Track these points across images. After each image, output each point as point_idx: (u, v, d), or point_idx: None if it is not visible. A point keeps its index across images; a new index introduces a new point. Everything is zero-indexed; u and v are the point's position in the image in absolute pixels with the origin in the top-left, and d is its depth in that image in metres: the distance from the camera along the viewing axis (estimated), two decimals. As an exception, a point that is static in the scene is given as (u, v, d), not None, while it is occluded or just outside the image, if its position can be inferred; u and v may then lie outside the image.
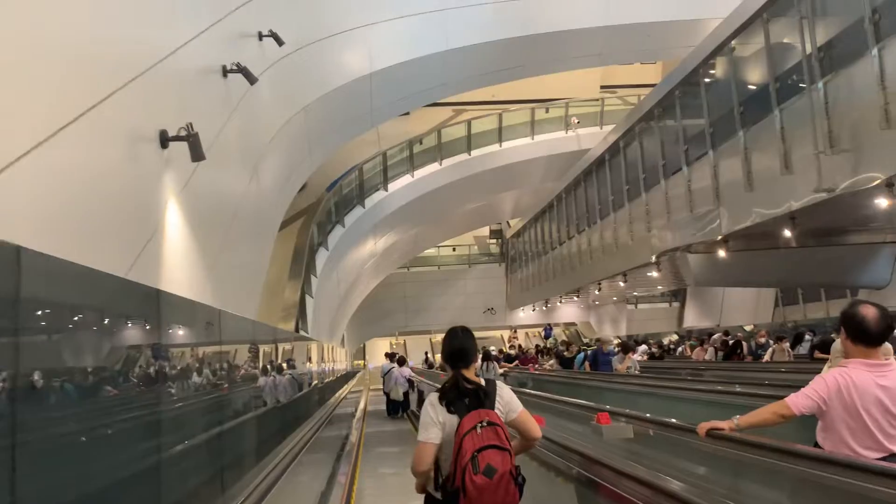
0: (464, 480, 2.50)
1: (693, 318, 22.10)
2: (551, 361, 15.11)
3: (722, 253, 10.78)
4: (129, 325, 2.24)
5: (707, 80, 10.69)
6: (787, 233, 9.52)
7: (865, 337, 2.85)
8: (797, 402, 2.85)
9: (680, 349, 16.46)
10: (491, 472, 2.49)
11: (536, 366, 15.71)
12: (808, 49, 7.94)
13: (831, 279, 12.87)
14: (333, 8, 8.97)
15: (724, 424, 2.96)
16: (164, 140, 3.29)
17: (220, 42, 4.90)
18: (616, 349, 10.71)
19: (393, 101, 12.13)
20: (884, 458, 2.69)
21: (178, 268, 3.62)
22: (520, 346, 22.68)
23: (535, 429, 2.83)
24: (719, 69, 10.44)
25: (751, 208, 9.38)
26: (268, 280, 10.74)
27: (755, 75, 9.71)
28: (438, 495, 2.67)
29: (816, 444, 2.93)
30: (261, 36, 6.37)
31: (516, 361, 17.33)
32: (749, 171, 9.36)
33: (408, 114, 23.76)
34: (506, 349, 22.27)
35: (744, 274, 11.92)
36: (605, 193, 15.12)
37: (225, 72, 4.87)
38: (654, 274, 13.93)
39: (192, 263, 4.11)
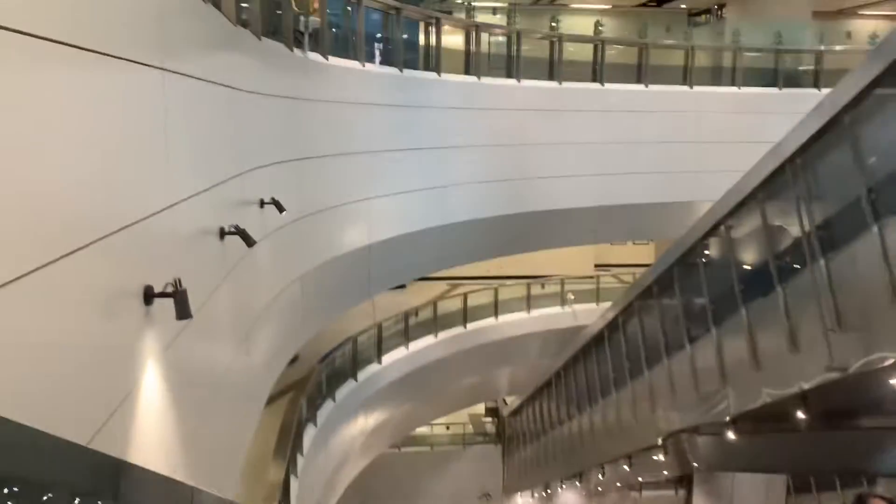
0: None
1: (701, 507, 20.79)
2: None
3: (731, 435, 10.24)
4: (79, 502, 1.87)
5: (705, 257, 10.74)
6: (800, 414, 9.06)
7: None
8: None
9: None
10: None
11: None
12: (807, 227, 7.98)
13: (847, 466, 12.17)
14: (337, 181, 9.15)
15: None
16: (149, 296, 3.06)
17: (220, 203, 4.83)
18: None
19: (390, 272, 12.13)
20: None
21: (151, 435, 3.23)
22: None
23: None
24: (717, 247, 10.53)
25: (759, 388, 9.01)
26: (251, 457, 10.09)
27: (754, 253, 9.75)
28: None
29: None
30: (262, 203, 6.35)
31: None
32: (755, 350, 9.09)
33: (404, 287, 23.95)
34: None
35: (755, 458, 11.27)
36: (606, 371, 14.74)
37: (222, 233, 4.74)
38: (661, 457, 13.21)
39: (169, 432, 3.72)
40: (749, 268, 9.77)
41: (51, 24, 2.27)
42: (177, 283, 3.10)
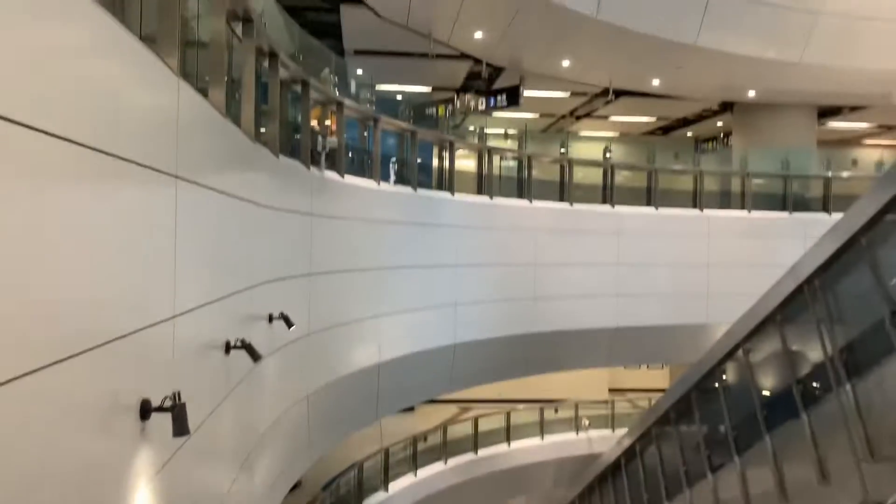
0: None
1: None
2: None
3: (762, 575, 9.51)
4: None
5: (724, 382, 10.41)
6: (835, 552, 8.42)
7: None
8: None
9: None
10: None
11: None
12: (829, 350, 7.74)
13: None
14: (349, 297, 9.07)
15: None
16: (146, 410, 2.88)
17: (227, 316, 4.71)
18: None
19: (400, 392, 11.81)
20: None
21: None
22: None
23: None
24: (736, 371, 10.22)
25: (790, 522, 8.46)
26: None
27: (776, 377, 9.44)
28: None
29: None
30: (271, 318, 6.24)
31: None
32: (781, 481, 8.60)
33: (412, 409, 23.35)
34: None
35: None
36: (623, 502, 14.01)
37: (228, 348, 4.60)
38: None
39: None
40: (771, 393, 9.43)
41: (60, 122, 2.25)
42: (175, 397, 2.94)
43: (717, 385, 10.45)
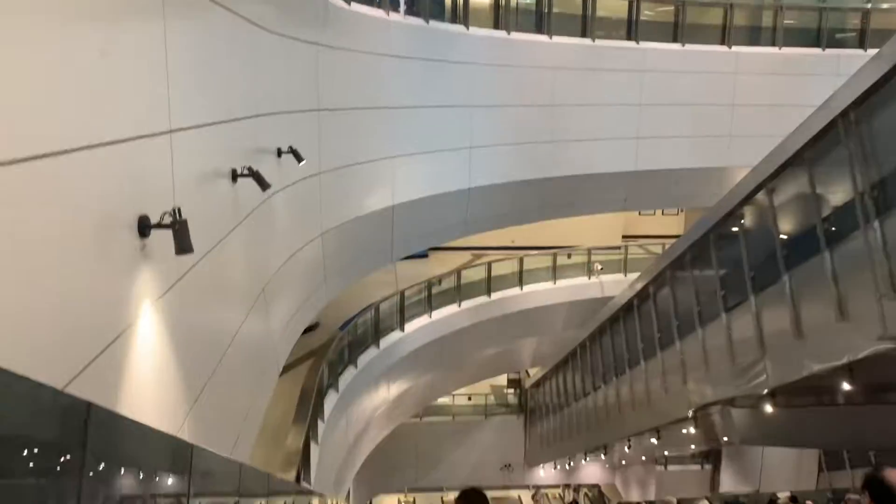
0: None
1: (729, 483, 20.41)
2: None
3: (769, 408, 9.79)
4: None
5: (746, 221, 10.19)
6: (846, 386, 8.58)
7: (890, 502, 2.85)
8: None
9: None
10: None
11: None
12: (860, 186, 7.43)
13: (890, 442, 11.66)
14: (361, 136, 8.72)
15: None
16: (145, 226, 2.68)
17: (231, 142, 4.44)
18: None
19: (414, 235, 11.73)
20: None
21: (147, 392, 2.87)
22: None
23: None
24: (759, 209, 9.96)
25: (801, 359, 8.53)
26: (271, 422, 9.82)
27: (799, 216, 9.20)
28: None
29: None
30: (280, 152, 5.96)
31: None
32: (798, 319, 8.59)
33: (426, 256, 23.60)
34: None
35: (794, 432, 10.81)
36: (634, 342, 14.29)
37: (234, 176, 4.35)
38: (691, 430, 12.80)
39: (171, 393, 3.37)
40: (793, 232, 9.23)
41: None
42: (176, 213, 2.72)
43: (737, 225, 10.24)
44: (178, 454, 2.36)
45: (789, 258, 8.89)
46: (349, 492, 20.29)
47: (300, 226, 7.25)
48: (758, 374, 9.37)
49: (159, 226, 2.72)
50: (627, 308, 14.78)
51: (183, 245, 2.71)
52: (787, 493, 15.75)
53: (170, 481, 2.27)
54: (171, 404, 3.29)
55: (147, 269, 2.81)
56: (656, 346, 13.08)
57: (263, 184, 4.40)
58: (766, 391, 9.39)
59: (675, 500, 9.72)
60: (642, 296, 14.01)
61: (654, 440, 14.72)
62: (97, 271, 2.48)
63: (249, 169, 4.37)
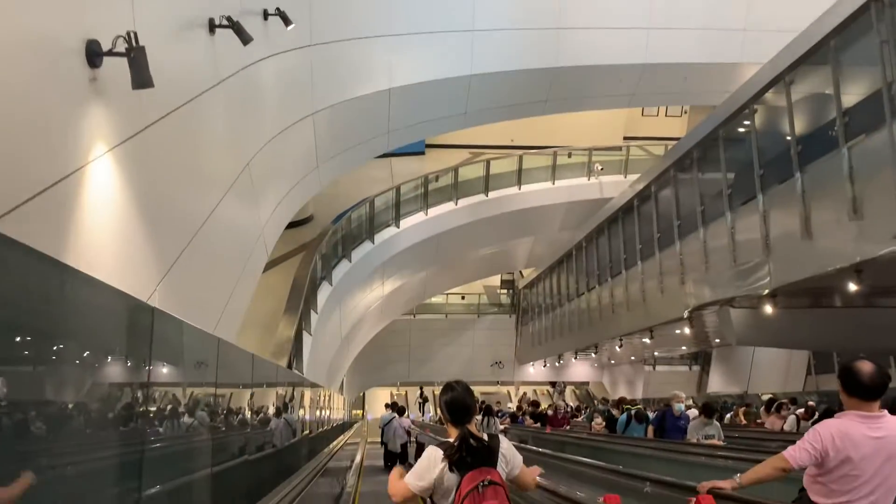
0: None
1: (718, 384, 20.72)
2: (598, 421, 11.79)
3: (769, 309, 9.62)
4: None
5: (758, 117, 9.70)
6: (852, 287, 8.35)
7: (861, 390, 2.98)
8: (795, 455, 2.99)
9: (729, 415, 14.81)
10: None
11: (567, 427, 13.59)
12: (890, 77, 6.95)
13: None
14: (356, 8, 8.06)
15: (725, 484, 3.37)
16: (94, 54, 2.26)
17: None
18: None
19: (411, 124, 11.20)
20: None
21: (106, 246, 2.53)
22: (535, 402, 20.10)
23: (532, 480, 2.95)
24: (774, 105, 9.46)
25: (808, 259, 8.28)
26: (260, 313, 9.62)
27: (817, 111, 8.73)
28: None
29: (802, 489, 3.13)
30: (266, 14, 5.41)
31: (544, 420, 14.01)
32: (807, 218, 8.26)
33: (423, 153, 23.03)
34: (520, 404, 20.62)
35: (792, 333, 10.70)
36: (633, 243, 14.04)
37: (212, 26, 3.87)
38: (686, 331, 12.74)
39: (136, 255, 3.03)
40: (810, 128, 8.78)
41: None
42: (132, 38, 2.29)
43: (750, 120, 9.76)
44: (135, 316, 2.04)
45: (803, 155, 8.49)
46: (343, 383, 20.58)
47: (289, 101, 6.76)
48: (760, 273, 9.15)
49: (111, 53, 2.30)
50: (627, 208, 14.46)
51: (141, 78, 2.31)
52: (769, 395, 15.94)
53: (125, 344, 1.96)
54: (137, 268, 2.97)
55: (100, 107, 2.41)
56: (655, 247, 12.85)
57: (244, 35, 3.93)
58: (766, 292, 9.19)
59: (683, 395, 9.57)
60: (644, 195, 13.66)
61: (646, 340, 14.74)
62: (40, 100, 2.09)
63: (229, 19, 3.88)
